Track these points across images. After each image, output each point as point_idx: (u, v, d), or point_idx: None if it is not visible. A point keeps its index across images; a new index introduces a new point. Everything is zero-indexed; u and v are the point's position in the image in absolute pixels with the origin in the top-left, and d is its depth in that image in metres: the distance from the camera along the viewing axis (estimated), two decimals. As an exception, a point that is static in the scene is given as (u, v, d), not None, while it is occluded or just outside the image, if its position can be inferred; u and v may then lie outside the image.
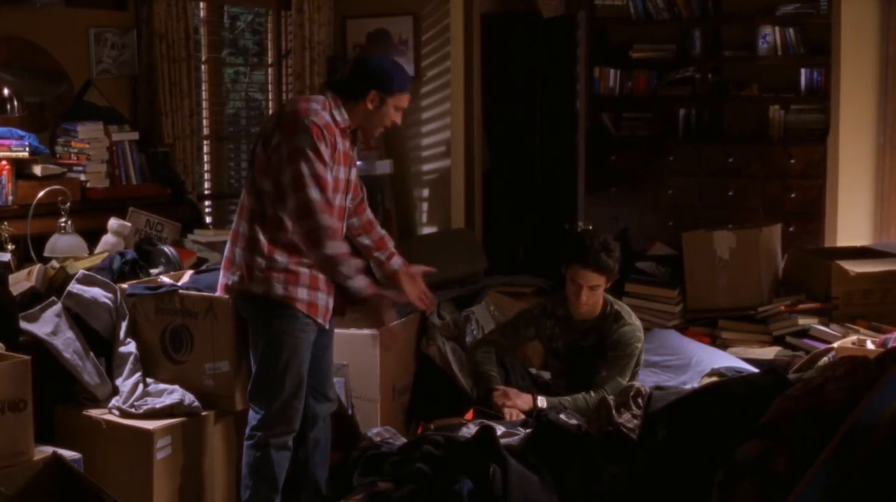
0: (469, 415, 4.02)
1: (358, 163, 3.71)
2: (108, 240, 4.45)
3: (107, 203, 4.78)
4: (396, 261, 3.72)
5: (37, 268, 3.97)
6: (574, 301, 4.09)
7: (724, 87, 7.06)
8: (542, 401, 3.97)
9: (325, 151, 3.35)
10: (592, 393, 3.96)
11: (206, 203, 6.16)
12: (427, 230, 6.61)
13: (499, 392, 4.02)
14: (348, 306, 3.58)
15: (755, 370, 4.25)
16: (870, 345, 4.17)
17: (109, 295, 3.82)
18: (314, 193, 3.31)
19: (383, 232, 3.78)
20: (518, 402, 3.98)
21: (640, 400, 3.66)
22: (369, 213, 3.75)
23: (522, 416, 3.92)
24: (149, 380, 3.72)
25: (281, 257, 3.40)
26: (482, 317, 4.86)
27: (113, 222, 4.49)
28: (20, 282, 3.89)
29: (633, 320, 4.15)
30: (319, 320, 3.49)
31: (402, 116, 3.59)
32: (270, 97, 6.70)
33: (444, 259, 5.36)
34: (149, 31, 5.41)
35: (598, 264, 4.00)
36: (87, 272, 3.90)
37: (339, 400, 4.03)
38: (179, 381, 3.69)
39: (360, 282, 3.40)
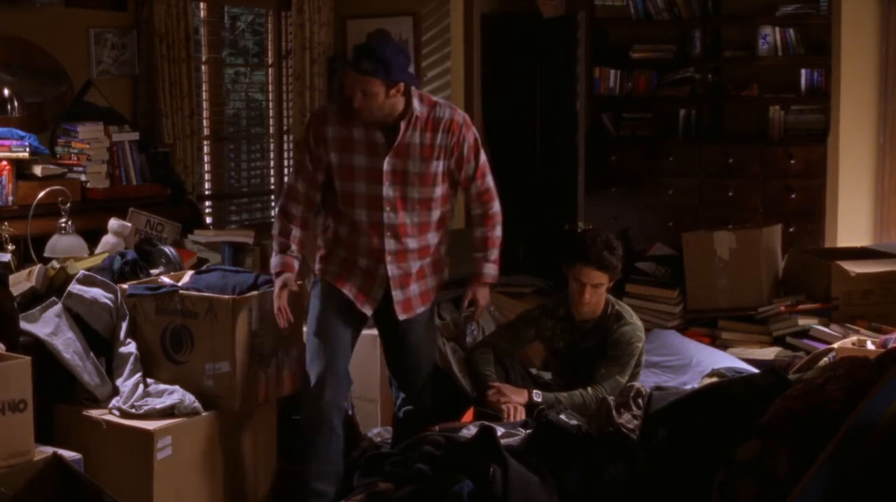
0: (469, 415, 4.02)
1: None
2: (108, 240, 4.46)
3: (107, 203, 4.79)
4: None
5: (37, 268, 3.96)
6: (577, 300, 4.08)
7: (724, 87, 7.05)
8: (537, 395, 3.97)
9: (311, 139, 3.65)
10: (589, 390, 3.96)
11: (207, 203, 6.16)
12: (427, 230, 6.61)
13: (493, 390, 4.02)
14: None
15: (755, 370, 4.24)
16: (870, 346, 4.17)
17: (110, 295, 3.82)
18: (289, 178, 3.83)
19: (482, 232, 3.87)
20: (513, 397, 3.97)
21: (640, 401, 3.65)
22: (475, 206, 3.84)
23: (523, 411, 3.92)
24: (149, 381, 3.72)
25: (321, 241, 3.78)
26: (482, 317, 4.85)
27: (113, 222, 4.50)
28: (20, 282, 3.89)
29: (635, 320, 4.15)
30: (348, 294, 3.67)
31: (360, 98, 3.50)
32: (270, 97, 6.70)
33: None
34: (149, 32, 5.41)
35: (601, 262, 4.00)
36: (87, 272, 3.90)
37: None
38: (179, 382, 3.69)
39: (273, 261, 3.73)
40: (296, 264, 3.73)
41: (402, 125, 3.57)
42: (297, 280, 3.72)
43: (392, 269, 3.66)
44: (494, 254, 3.82)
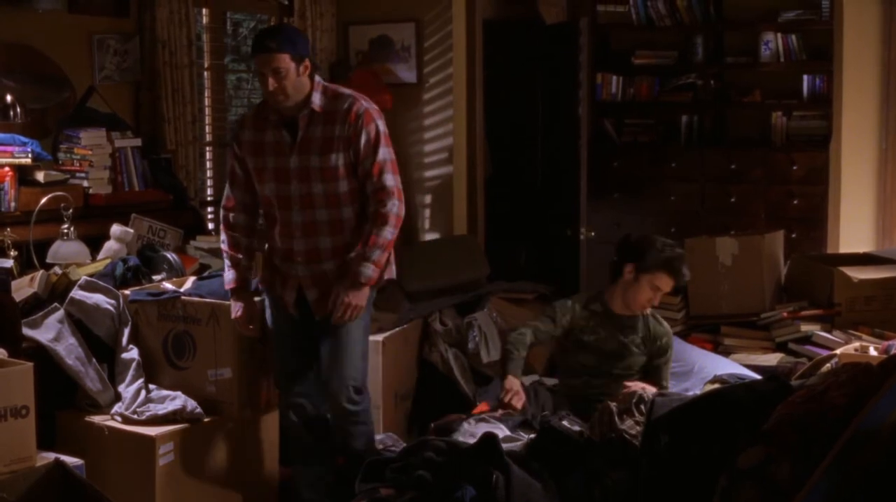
0: (482, 409, 4.05)
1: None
2: (110, 246, 4.45)
3: (109, 209, 4.78)
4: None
5: (39, 274, 3.97)
6: (644, 304, 4.25)
7: (726, 93, 7.05)
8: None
9: (234, 146, 3.74)
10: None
11: (209, 209, 6.16)
12: (429, 236, 6.61)
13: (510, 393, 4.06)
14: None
15: (758, 376, 4.24)
16: (872, 352, 4.17)
17: (112, 301, 3.82)
18: (225, 188, 3.81)
19: (368, 229, 3.62)
20: (521, 393, 4.05)
21: (642, 407, 3.66)
22: (370, 203, 3.64)
23: (519, 400, 3.97)
24: (151, 387, 3.72)
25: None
26: (484, 323, 4.86)
27: (115, 228, 4.50)
28: (23, 288, 3.90)
29: (664, 322, 4.41)
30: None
31: (273, 80, 3.48)
32: (273, 103, 6.69)
33: (447, 265, 5.36)
34: (151, 38, 5.41)
35: (682, 278, 4.25)
36: (89, 278, 3.90)
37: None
38: (182, 388, 3.69)
39: (225, 276, 3.73)
40: (249, 275, 3.73)
41: (302, 120, 3.56)
42: (253, 290, 3.75)
43: (302, 269, 3.63)
44: (375, 254, 3.54)
